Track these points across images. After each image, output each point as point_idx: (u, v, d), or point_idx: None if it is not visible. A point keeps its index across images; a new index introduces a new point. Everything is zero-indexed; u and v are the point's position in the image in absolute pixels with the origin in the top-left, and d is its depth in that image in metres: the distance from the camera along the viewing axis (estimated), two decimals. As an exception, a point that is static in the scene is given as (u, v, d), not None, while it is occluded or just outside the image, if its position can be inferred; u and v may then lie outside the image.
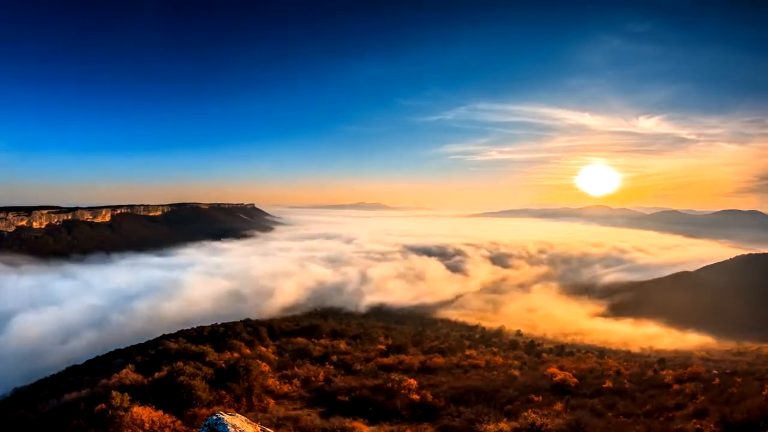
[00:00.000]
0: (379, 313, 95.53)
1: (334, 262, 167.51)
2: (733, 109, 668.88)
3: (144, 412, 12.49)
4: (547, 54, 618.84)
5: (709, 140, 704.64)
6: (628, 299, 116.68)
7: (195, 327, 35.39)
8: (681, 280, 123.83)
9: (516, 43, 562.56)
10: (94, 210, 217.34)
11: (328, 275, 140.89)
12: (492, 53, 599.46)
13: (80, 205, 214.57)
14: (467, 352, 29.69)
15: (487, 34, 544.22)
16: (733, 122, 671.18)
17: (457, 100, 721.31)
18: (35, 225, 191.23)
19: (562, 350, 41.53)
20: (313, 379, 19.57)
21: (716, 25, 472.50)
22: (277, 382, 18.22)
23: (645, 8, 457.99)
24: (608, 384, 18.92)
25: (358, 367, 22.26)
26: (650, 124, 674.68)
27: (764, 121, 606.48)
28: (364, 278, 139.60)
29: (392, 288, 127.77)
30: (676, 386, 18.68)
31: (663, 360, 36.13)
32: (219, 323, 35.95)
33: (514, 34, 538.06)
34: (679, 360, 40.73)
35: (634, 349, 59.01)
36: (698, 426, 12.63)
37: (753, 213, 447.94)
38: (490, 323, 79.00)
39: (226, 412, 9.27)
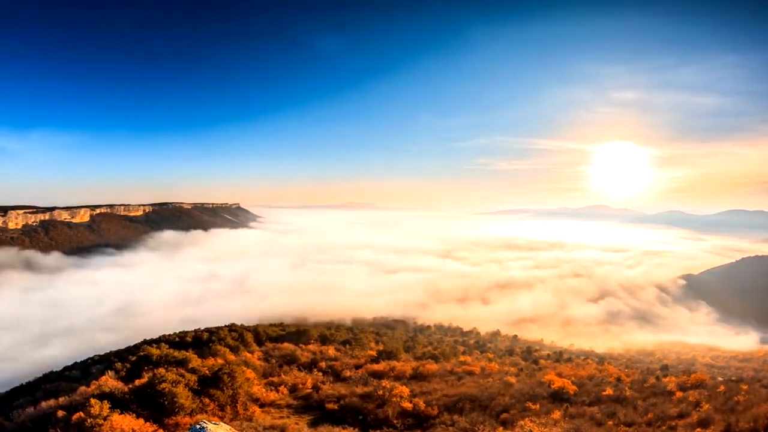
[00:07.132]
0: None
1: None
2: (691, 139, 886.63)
3: (124, 421, 12.07)
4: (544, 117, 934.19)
5: (682, 156, 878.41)
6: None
7: (177, 332, 34.72)
8: (683, 283, 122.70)
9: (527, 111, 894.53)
10: (73, 210, 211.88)
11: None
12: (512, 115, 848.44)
13: (58, 205, 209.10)
14: (461, 358, 28.96)
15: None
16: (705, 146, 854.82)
17: (481, 134, 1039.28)
18: (11, 225, 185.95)
19: (560, 356, 40.86)
20: (300, 386, 18.94)
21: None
22: (263, 390, 17.62)
23: (606, 100, 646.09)
24: (608, 391, 18.39)
25: (347, 373, 21.53)
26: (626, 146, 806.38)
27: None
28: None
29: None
30: (679, 394, 18.18)
31: (666, 366, 35.57)
32: (202, 328, 35.22)
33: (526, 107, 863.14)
34: (683, 366, 40.09)
35: (635, 355, 58.17)
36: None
37: (759, 213, 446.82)
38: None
39: (209, 421, 8.82)
